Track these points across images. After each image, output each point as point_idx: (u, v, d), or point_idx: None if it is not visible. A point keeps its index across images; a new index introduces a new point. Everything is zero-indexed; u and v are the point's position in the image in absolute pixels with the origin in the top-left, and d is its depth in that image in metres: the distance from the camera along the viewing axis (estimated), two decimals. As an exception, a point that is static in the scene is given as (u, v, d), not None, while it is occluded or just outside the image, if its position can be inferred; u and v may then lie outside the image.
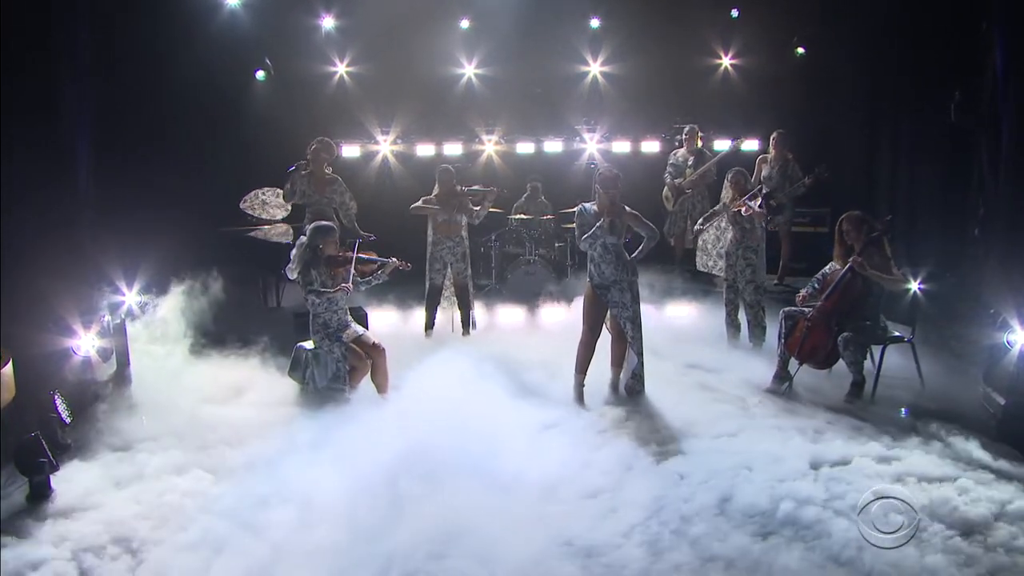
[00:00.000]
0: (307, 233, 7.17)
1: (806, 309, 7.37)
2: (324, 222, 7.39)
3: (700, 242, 9.06)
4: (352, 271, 7.09)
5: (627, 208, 7.11)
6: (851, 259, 7.07)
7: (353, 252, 7.24)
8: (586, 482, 5.69)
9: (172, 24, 9.94)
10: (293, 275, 7.09)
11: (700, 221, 9.03)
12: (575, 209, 7.26)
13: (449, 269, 9.07)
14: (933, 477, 5.57)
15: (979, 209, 9.02)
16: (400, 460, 5.75)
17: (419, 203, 8.99)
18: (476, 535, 4.91)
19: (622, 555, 4.83)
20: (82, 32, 7.85)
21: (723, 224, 8.75)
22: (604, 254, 7.05)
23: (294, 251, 7.12)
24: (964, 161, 9.44)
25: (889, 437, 6.26)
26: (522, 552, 4.80)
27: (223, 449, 6.24)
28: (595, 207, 7.11)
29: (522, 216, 11.10)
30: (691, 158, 11.23)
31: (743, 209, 8.26)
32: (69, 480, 5.72)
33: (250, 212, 9.59)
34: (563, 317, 9.60)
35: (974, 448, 6.02)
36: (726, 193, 8.66)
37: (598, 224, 6.99)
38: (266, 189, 9.76)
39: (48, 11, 7.34)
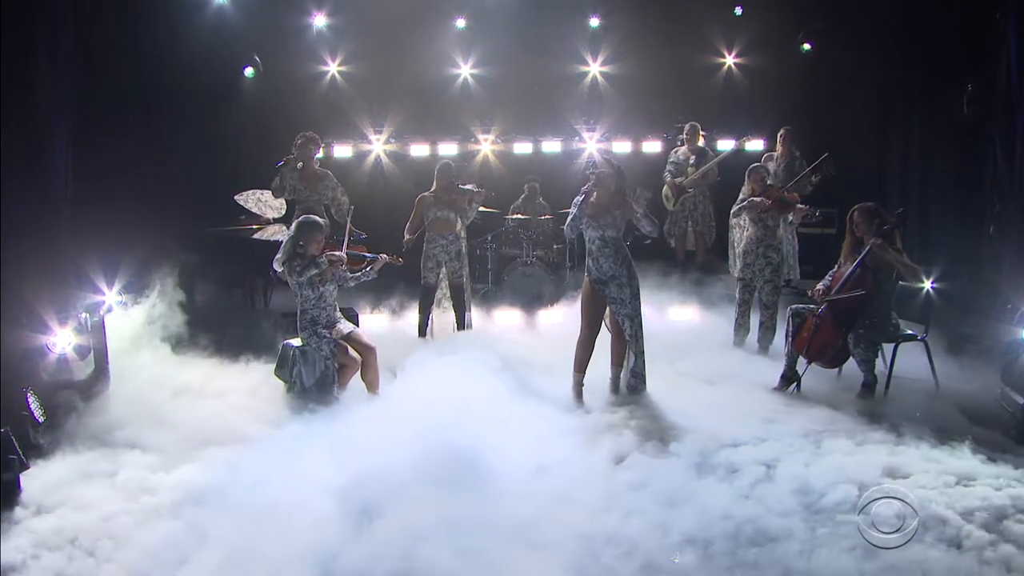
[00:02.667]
0: (293, 227, 6.93)
1: (814, 306, 7.11)
2: (311, 218, 7.08)
3: (730, 239, 8.77)
4: (343, 258, 6.91)
5: (626, 197, 6.85)
6: (871, 242, 6.79)
7: (341, 250, 7.03)
8: (583, 483, 5.44)
9: (157, 17, 9.71)
10: (279, 267, 6.83)
11: (733, 212, 8.74)
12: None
13: (443, 269, 8.78)
14: (949, 479, 5.33)
15: (994, 205, 8.74)
16: (390, 459, 5.47)
17: (407, 235, 8.71)
18: (466, 535, 4.66)
19: (617, 557, 4.57)
20: (62, 22, 7.62)
21: (743, 221, 8.46)
22: (602, 247, 6.78)
23: (282, 246, 6.91)
24: (977, 155, 9.13)
25: (902, 438, 5.98)
26: (515, 552, 4.56)
27: (201, 451, 5.96)
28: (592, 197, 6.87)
29: (519, 216, 10.85)
30: (693, 156, 10.96)
31: (783, 209, 8.00)
32: (39, 479, 5.45)
33: (243, 204, 9.33)
34: (562, 318, 9.33)
35: (992, 448, 5.78)
36: (746, 189, 8.37)
37: (579, 204, 6.74)
38: (266, 191, 9.51)
39: (27, 2, 7.13)
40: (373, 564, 4.44)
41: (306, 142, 8.67)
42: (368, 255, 7.19)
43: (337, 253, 6.89)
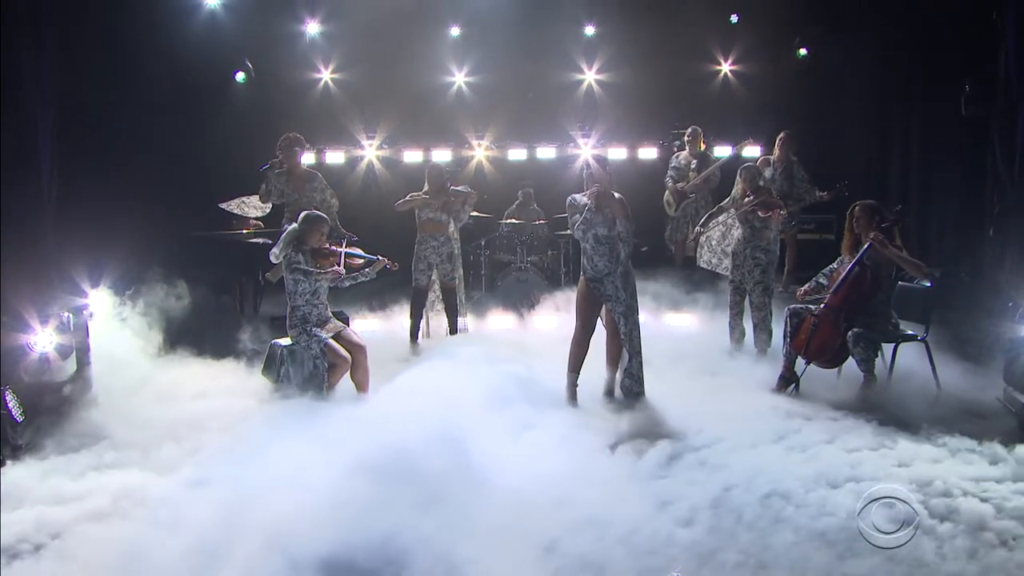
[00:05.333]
0: (297, 220, 6.87)
1: (812, 306, 6.99)
2: (315, 212, 7.06)
3: (703, 237, 8.65)
4: (341, 261, 6.84)
5: (616, 195, 6.74)
6: (872, 235, 6.69)
7: (341, 246, 6.99)
8: (576, 484, 5.27)
9: (147, 19, 9.65)
10: (276, 259, 6.77)
11: (701, 222, 8.66)
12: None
13: (435, 271, 8.64)
14: (951, 479, 5.18)
15: (994, 206, 8.65)
16: (375, 459, 5.27)
17: (406, 198, 8.59)
18: (452, 536, 4.52)
19: (607, 562, 4.41)
20: (47, 22, 7.55)
21: (729, 220, 8.34)
22: (597, 246, 6.68)
23: (281, 236, 6.84)
24: (977, 157, 9.07)
25: (903, 439, 5.85)
26: (499, 555, 4.39)
27: (183, 452, 5.83)
28: (585, 197, 6.78)
29: (513, 221, 10.74)
30: (694, 161, 10.86)
31: (761, 211, 7.86)
32: (17, 478, 5.35)
33: (227, 209, 9.23)
34: (557, 323, 9.17)
35: (996, 448, 5.64)
36: (737, 188, 8.27)
37: (587, 207, 6.65)
38: (251, 196, 9.41)
39: (12, 5, 7.08)
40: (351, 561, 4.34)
41: (290, 143, 8.54)
42: (366, 256, 7.09)
43: (338, 269, 6.80)
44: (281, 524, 4.61)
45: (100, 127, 8.83)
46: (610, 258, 6.68)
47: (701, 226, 8.65)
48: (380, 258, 7.06)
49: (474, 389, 6.54)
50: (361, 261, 7.08)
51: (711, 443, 5.87)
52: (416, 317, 8.68)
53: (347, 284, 7.00)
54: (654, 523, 4.73)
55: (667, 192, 11.04)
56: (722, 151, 11.38)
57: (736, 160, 10.59)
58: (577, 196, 6.83)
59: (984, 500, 4.92)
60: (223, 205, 9.29)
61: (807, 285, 7.13)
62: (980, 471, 5.34)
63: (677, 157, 11.10)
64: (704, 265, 8.75)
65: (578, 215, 6.70)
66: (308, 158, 11.07)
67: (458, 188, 8.87)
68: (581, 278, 6.85)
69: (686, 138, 11.04)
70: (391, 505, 4.78)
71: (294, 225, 6.86)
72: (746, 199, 8.06)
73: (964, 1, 9.16)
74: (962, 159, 9.57)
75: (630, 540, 4.56)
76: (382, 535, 4.50)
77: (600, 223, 6.66)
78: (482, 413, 6.14)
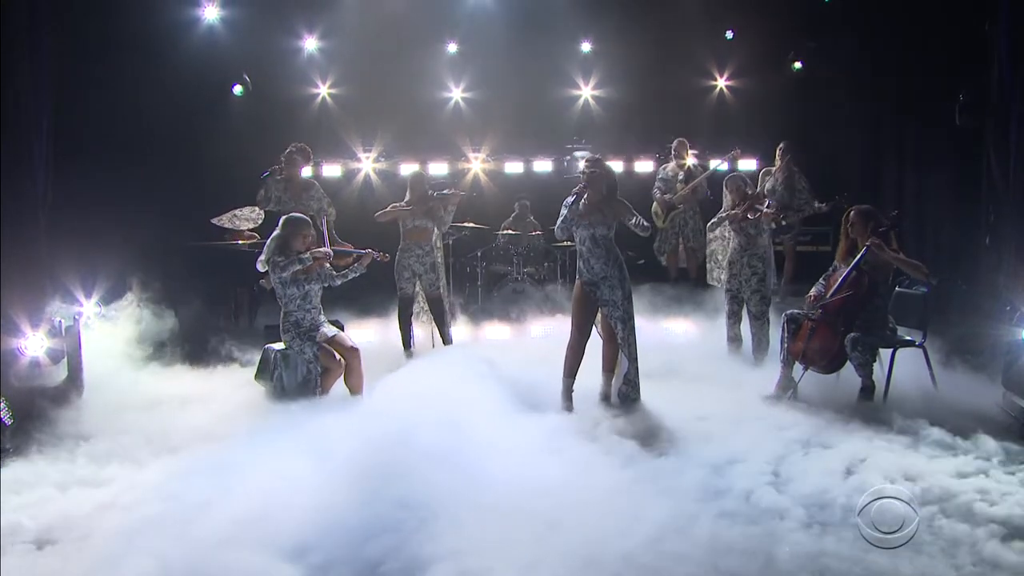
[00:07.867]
0: (279, 225, 6.80)
1: (810, 311, 6.95)
2: (296, 215, 6.99)
3: (710, 251, 8.63)
4: (329, 253, 6.83)
5: (616, 197, 6.70)
6: (867, 242, 6.65)
7: (325, 244, 7.02)
8: (567, 491, 5.19)
9: (145, 31, 9.70)
10: (263, 267, 6.72)
11: (709, 225, 8.64)
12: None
13: (419, 280, 8.57)
14: (950, 482, 5.17)
15: (989, 215, 8.64)
16: (365, 462, 5.24)
17: (387, 208, 8.56)
18: (437, 541, 4.45)
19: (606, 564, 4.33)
20: (44, 29, 7.58)
21: (725, 233, 8.33)
22: (593, 248, 6.62)
23: (267, 244, 6.80)
24: (971, 165, 9.07)
25: (902, 444, 5.83)
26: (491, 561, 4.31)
27: (173, 455, 5.79)
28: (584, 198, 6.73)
29: (510, 232, 10.73)
30: (681, 172, 10.88)
31: (750, 213, 7.84)
32: (3, 481, 5.25)
33: (219, 224, 9.21)
34: (552, 332, 9.15)
35: (994, 451, 5.63)
36: (727, 200, 8.26)
37: (571, 204, 6.58)
38: (243, 208, 9.40)
39: (9, 11, 7.10)
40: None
41: (295, 153, 8.56)
42: (355, 251, 7.07)
43: (323, 249, 6.80)
44: (264, 524, 4.57)
45: (97, 136, 8.86)
46: (607, 260, 6.61)
47: (711, 233, 8.61)
48: (369, 251, 7.06)
49: (467, 394, 6.51)
50: (350, 258, 7.08)
51: (708, 449, 5.81)
52: (406, 325, 8.62)
53: (339, 282, 6.93)
54: (649, 530, 4.63)
55: (654, 204, 11.05)
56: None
57: (727, 171, 10.62)
58: (572, 198, 6.79)
59: (983, 504, 4.87)
60: (215, 221, 9.27)
61: (814, 290, 7.08)
62: (979, 475, 5.29)
63: (664, 169, 11.14)
64: (713, 283, 8.76)
65: (564, 212, 6.64)
66: (305, 171, 11.04)
67: (443, 192, 8.82)
68: (576, 281, 6.77)
69: (673, 150, 11.06)
70: (376, 508, 4.75)
71: (276, 231, 6.81)
72: (735, 209, 8.06)
73: (957, 12, 9.19)
74: (957, 168, 9.58)
75: (626, 548, 4.46)
76: (364, 537, 4.46)
77: (599, 223, 6.60)
78: (475, 418, 6.08)
